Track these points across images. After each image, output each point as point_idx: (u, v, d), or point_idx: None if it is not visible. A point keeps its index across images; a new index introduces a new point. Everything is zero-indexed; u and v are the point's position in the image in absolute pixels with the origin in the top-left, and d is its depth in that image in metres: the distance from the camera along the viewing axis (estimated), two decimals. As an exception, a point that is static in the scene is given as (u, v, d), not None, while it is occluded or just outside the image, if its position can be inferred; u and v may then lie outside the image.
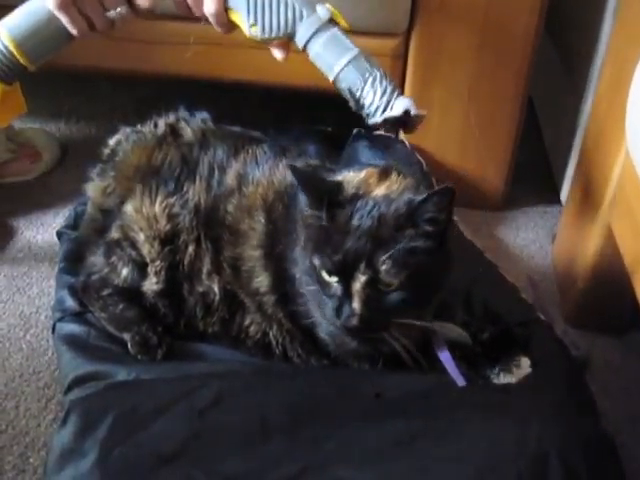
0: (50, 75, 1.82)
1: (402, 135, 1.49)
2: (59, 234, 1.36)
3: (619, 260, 1.07)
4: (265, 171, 1.11)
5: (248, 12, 1.04)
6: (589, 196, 1.27)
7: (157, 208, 1.12)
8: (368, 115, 1.05)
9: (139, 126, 1.22)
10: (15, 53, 1.07)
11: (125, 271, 1.15)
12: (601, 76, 1.30)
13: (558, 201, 1.57)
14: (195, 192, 1.12)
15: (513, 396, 1.00)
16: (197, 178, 1.13)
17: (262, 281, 1.07)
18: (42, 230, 1.47)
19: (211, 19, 1.07)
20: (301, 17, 1.03)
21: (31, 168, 1.59)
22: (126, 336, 1.12)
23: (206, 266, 1.11)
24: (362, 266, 0.90)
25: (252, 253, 1.08)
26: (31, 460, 1.04)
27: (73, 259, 1.26)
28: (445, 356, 1.03)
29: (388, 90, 1.03)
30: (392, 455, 0.93)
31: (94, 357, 1.09)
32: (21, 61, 1.09)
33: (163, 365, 1.09)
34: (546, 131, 1.76)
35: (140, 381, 1.05)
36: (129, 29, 1.12)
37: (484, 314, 1.16)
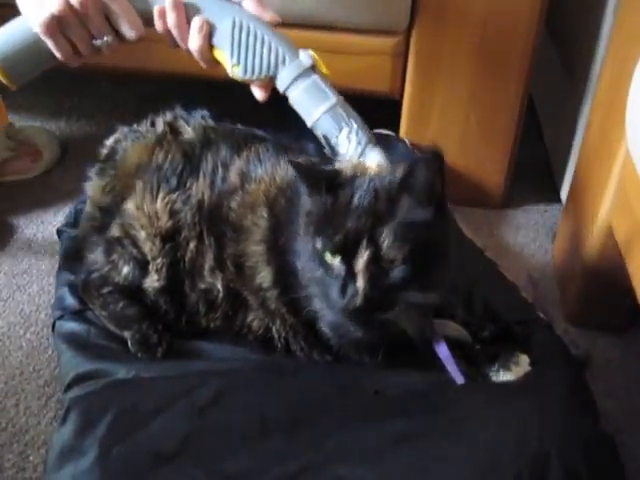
0: (51, 74, 1.81)
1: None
2: (59, 232, 1.36)
3: (619, 259, 1.07)
4: (268, 169, 1.11)
5: (232, 52, 1.06)
6: (589, 195, 1.27)
7: (158, 204, 1.12)
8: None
9: (135, 125, 1.22)
10: None
11: (126, 269, 1.15)
12: (601, 75, 1.30)
13: (558, 200, 1.57)
14: (198, 188, 1.12)
15: (513, 395, 1.00)
16: (201, 175, 1.13)
17: (265, 276, 1.07)
18: (42, 228, 1.47)
19: (195, 54, 1.09)
20: (283, 61, 1.05)
21: (31, 166, 1.59)
22: (126, 334, 1.12)
23: (208, 262, 1.11)
24: (364, 243, 0.90)
25: (255, 248, 1.08)
26: (31, 458, 1.04)
27: (73, 257, 1.25)
28: (444, 354, 1.03)
29: (363, 141, 1.05)
30: (392, 454, 0.93)
31: (94, 355, 1.09)
32: (3, 80, 1.09)
33: (163, 363, 1.09)
34: (546, 130, 1.75)
35: (140, 379, 1.05)
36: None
37: (484, 313, 1.16)
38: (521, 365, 1.04)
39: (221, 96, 1.50)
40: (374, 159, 1.05)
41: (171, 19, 1.07)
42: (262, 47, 1.05)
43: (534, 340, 1.10)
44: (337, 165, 1.02)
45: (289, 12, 1.29)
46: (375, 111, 1.22)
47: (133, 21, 1.07)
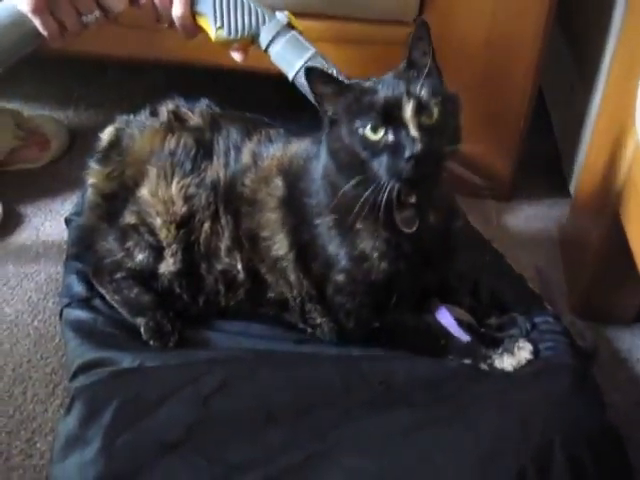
0: (59, 63, 1.82)
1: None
2: (67, 221, 1.37)
3: (627, 250, 1.07)
4: (279, 147, 1.15)
5: (215, 16, 1.12)
6: (598, 186, 1.26)
7: (173, 190, 1.13)
8: None
9: (132, 116, 1.22)
10: None
11: (141, 256, 1.16)
12: (612, 65, 1.29)
13: (566, 191, 1.56)
14: (213, 169, 1.14)
15: (518, 386, 1.00)
16: (214, 156, 1.15)
17: (280, 242, 1.09)
18: (50, 217, 1.48)
19: (178, 22, 1.13)
20: (263, 21, 1.13)
21: (40, 155, 1.60)
22: (140, 321, 1.13)
23: (225, 242, 1.13)
24: (405, 97, 0.95)
25: (270, 216, 1.10)
26: (38, 445, 1.05)
27: (81, 245, 1.26)
28: (446, 318, 1.05)
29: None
30: (396, 444, 0.93)
31: (100, 344, 1.09)
32: None
33: (168, 352, 1.09)
34: (555, 120, 1.74)
35: (145, 368, 1.05)
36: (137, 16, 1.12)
37: (490, 302, 1.16)
38: (524, 350, 1.04)
39: (230, 84, 1.51)
40: None
41: None
42: (243, 9, 1.13)
43: (540, 331, 1.10)
44: None
45: (300, 3, 1.29)
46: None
47: None
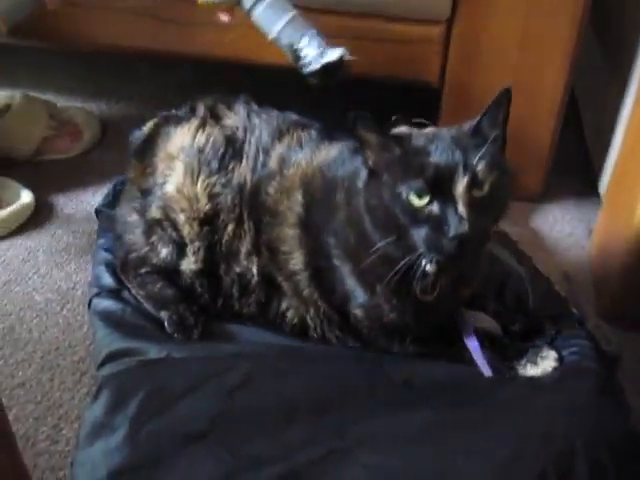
0: (92, 56, 1.84)
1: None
2: (97, 212, 1.38)
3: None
4: (307, 153, 1.13)
5: None
6: (628, 189, 1.25)
7: (198, 187, 1.13)
8: (306, 65, 1.14)
9: (174, 110, 1.23)
10: None
11: (165, 251, 1.17)
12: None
13: (596, 194, 1.55)
14: (241, 172, 1.13)
15: (541, 391, 1.00)
16: (244, 158, 1.14)
17: (297, 258, 1.09)
18: (81, 207, 1.49)
19: None
20: None
21: (72, 146, 1.61)
22: (163, 315, 1.14)
23: (245, 246, 1.13)
24: (460, 169, 0.90)
25: (289, 232, 1.09)
26: (64, 431, 1.06)
27: (111, 237, 1.27)
28: (473, 345, 1.03)
29: (323, 43, 1.14)
30: (417, 444, 0.93)
31: (128, 334, 1.10)
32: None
33: (194, 344, 1.10)
34: (587, 123, 1.72)
35: (171, 359, 1.06)
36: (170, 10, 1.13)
37: (516, 306, 1.16)
38: (548, 360, 1.04)
39: (260, 81, 1.51)
40: (337, 53, 1.12)
41: None
42: None
43: (565, 335, 1.09)
44: None
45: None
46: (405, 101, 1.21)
47: None
